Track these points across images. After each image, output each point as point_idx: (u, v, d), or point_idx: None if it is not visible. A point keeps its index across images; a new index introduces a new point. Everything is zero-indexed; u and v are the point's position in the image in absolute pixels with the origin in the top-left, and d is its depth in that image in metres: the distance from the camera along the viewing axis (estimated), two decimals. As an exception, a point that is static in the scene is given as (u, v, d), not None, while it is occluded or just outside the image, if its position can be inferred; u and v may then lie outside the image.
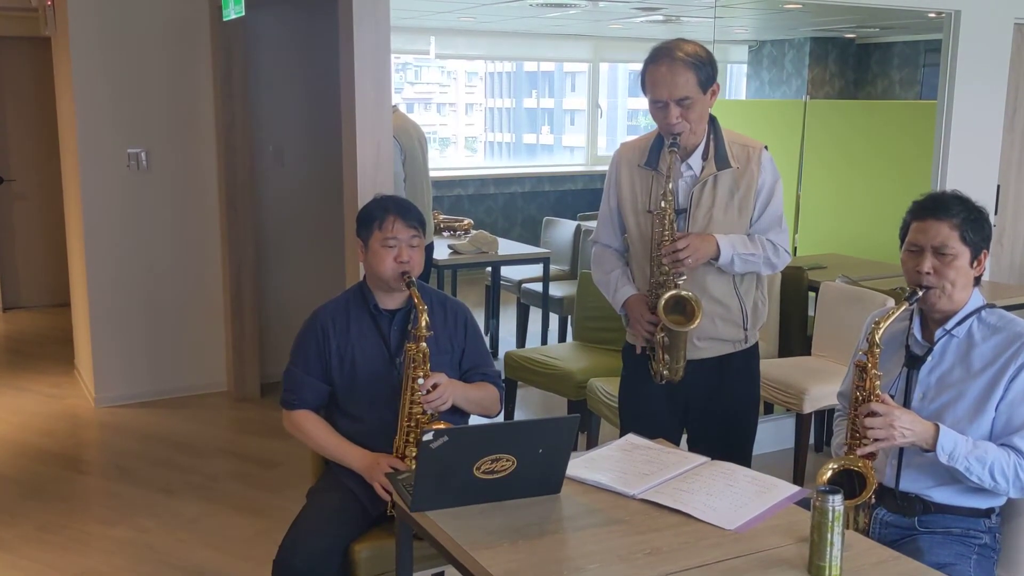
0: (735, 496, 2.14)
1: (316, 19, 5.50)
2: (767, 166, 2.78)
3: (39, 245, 7.63)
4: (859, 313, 4.03)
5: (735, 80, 10.39)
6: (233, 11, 4.44)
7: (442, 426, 2.46)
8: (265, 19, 5.42)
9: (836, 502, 1.82)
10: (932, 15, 5.25)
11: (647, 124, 10.19)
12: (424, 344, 2.55)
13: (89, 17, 5.02)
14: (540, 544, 1.96)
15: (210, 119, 5.34)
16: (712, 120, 2.78)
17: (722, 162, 2.74)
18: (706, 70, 2.66)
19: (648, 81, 2.68)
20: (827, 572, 1.82)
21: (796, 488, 2.20)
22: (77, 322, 5.82)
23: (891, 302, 3.92)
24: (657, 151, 2.77)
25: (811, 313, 4.56)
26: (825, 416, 4.63)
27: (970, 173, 4.76)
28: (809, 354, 4.45)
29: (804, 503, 2.14)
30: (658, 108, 2.68)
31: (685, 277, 2.69)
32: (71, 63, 5.03)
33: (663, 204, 2.68)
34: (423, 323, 2.55)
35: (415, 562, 2.33)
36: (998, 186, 5.05)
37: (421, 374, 2.55)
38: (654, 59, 2.67)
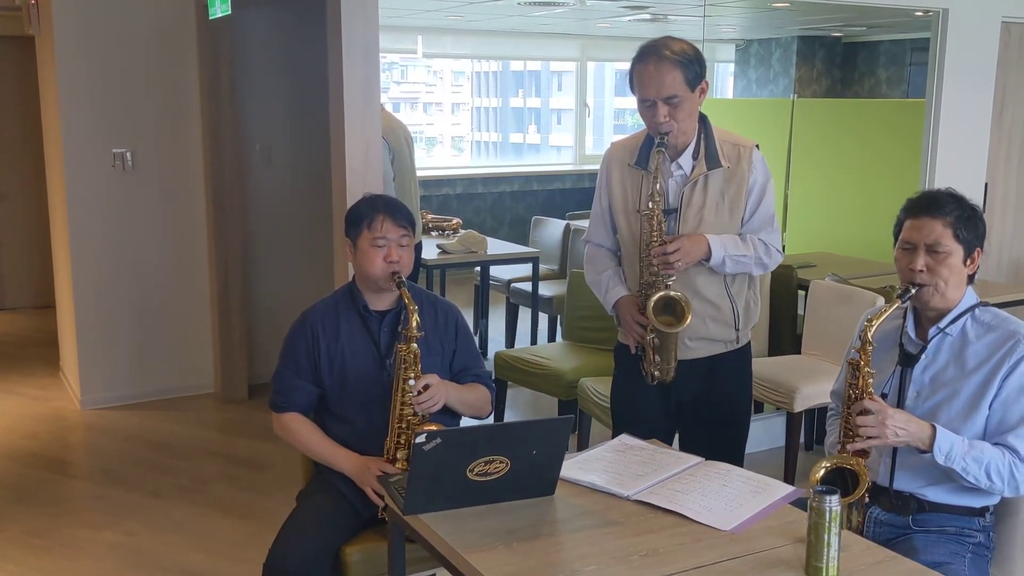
0: (730, 497, 2.13)
1: (304, 17, 5.47)
2: (758, 165, 2.76)
3: (23, 246, 7.57)
4: (849, 311, 4.04)
5: (722, 79, 10.41)
6: (219, 9, 4.40)
7: (433, 427, 2.44)
8: (252, 17, 5.38)
9: (833, 502, 1.81)
10: (919, 14, 5.26)
11: (634, 123, 10.19)
12: (415, 345, 2.53)
13: (74, 16, 4.97)
14: (535, 546, 1.94)
15: (196, 118, 5.30)
16: (703, 119, 2.76)
17: (713, 161, 2.72)
18: (694, 68, 2.64)
19: (636, 80, 2.67)
20: (824, 573, 1.81)
21: (791, 488, 2.19)
22: (62, 324, 5.77)
23: (881, 300, 3.92)
24: (647, 150, 2.75)
25: (800, 312, 4.56)
26: (816, 415, 4.64)
27: (958, 171, 4.77)
28: (799, 353, 4.45)
29: (799, 503, 2.14)
30: (646, 107, 2.66)
31: (674, 278, 2.68)
32: (55, 62, 4.98)
33: (651, 204, 2.66)
34: (414, 323, 2.52)
35: (407, 564, 2.30)
36: (986, 184, 5.06)
37: (412, 375, 2.53)
38: (641, 57, 2.65)
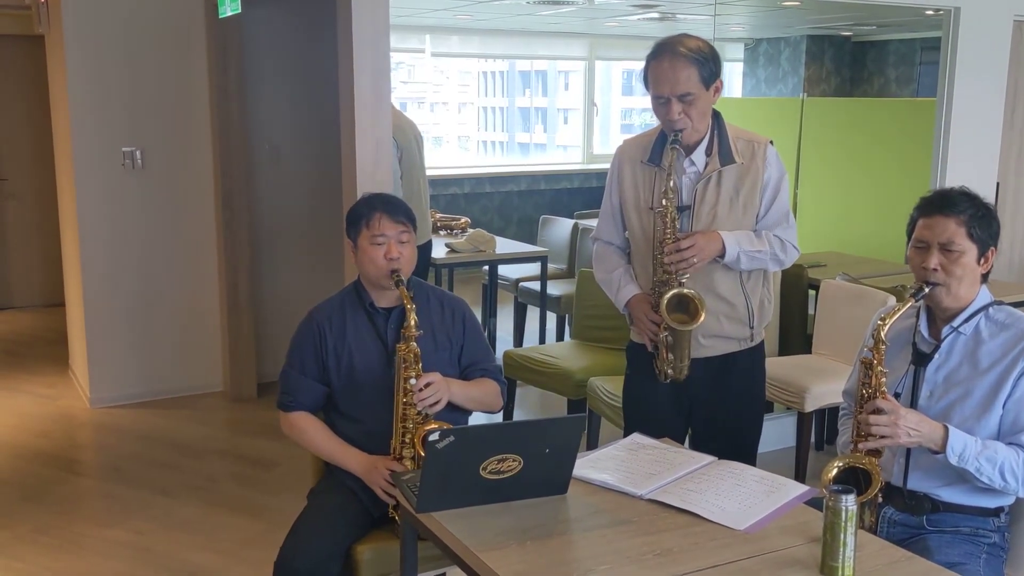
0: (744, 496, 2.12)
1: (313, 15, 5.47)
2: (772, 161, 2.75)
3: (33, 245, 7.58)
4: (860, 311, 4.02)
5: (730, 78, 10.39)
6: (229, 8, 4.40)
7: (435, 426, 2.43)
8: (261, 15, 5.38)
9: (849, 502, 1.79)
10: (931, 12, 5.24)
11: (641, 123, 10.17)
12: (415, 344, 2.52)
13: (83, 14, 4.98)
14: (548, 545, 1.93)
15: (206, 117, 5.30)
16: (716, 116, 2.75)
17: (726, 158, 2.71)
18: (709, 66, 2.63)
19: (650, 77, 2.65)
20: (840, 573, 1.80)
21: (805, 488, 2.18)
22: (72, 322, 5.78)
23: (892, 300, 3.91)
24: (659, 148, 2.74)
25: (811, 311, 4.55)
26: (826, 414, 4.62)
27: (969, 171, 4.75)
28: (809, 352, 4.44)
29: (814, 503, 2.12)
30: (660, 104, 2.65)
31: (688, 275, 2.67)
32: (65, 61, 4.99)
33: (665, 202, 2.65)
34: (412, 322, 2.51)
35: (418, 563, 2.30)
36: (997, 183, 5.04)
37: (413, 374, 2.52)
38: (656, 54, 2.64)
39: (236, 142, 5.22)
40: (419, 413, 2.53)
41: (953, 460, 2.19)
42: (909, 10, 5.43)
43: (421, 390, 2.50)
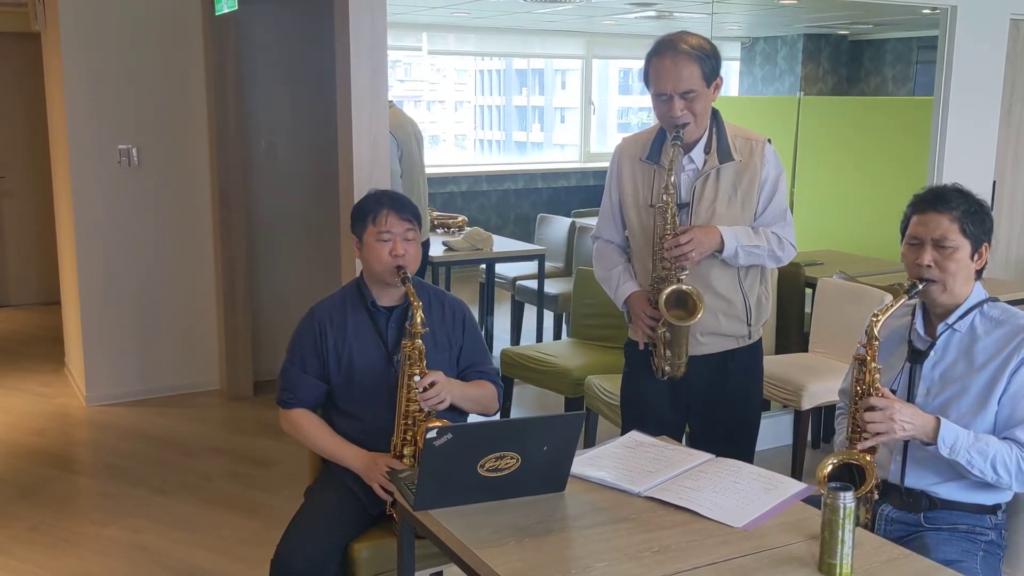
0: (742, 493, 2.12)
1: (311, 12, 5.46)
2: (770, 159, 2.76)
3: (29, 243, 7.57)
4: (857, 309, 4.03)
5: (727, 77, 10.39)
6: (226, 5, 4.40)
7: (437, 423, 2.43)
8: (258, 13, 5.37)
9: (848, 499, 1.79)
10: (927, 11, 5.25)
11: (638, 122, 10.16)
12: (420, 341, 2.52)
13: (80, 12, 4.97)
14: (546, 543, 1.93)
15: (202, 114, 5.29)
16: (715, 113, 2.75)
17: (724, 155, 2.71)
18: (710, 63, 2.63)
19: (652, 74, 2.65)
20: (838, 570, 1.80)
21: (803, 485, 2.18)
22: (68, 320, 5.77)
23: (889, 298, 3.91)
24: (659, 145, 2.74)
25: (808, 310, 4.55)
26: (823, 413, 4.62)
27: (966, 169, 4.76)
28: (806, 350, 4.44)
29: (811, 500, 2.13)
30: (662, 101, 2.65)
31: (687, 272, 2.67)
32: (61, 59, 4.98)
33: (665, 198, 2.65)
34: (418, 319, 2.51)
35: (415, 560, 2.29)
36: (994, 182, 5.05)
37: (417, 371, 2.51)
38: (658, 51, 2.64)
39: (233, 140, 5.21)
40: (421, 410, 2.53)
41: (944, 452, 2.19)
42: (906, 9, 5.43)
43: (425, 389, 2.49)
